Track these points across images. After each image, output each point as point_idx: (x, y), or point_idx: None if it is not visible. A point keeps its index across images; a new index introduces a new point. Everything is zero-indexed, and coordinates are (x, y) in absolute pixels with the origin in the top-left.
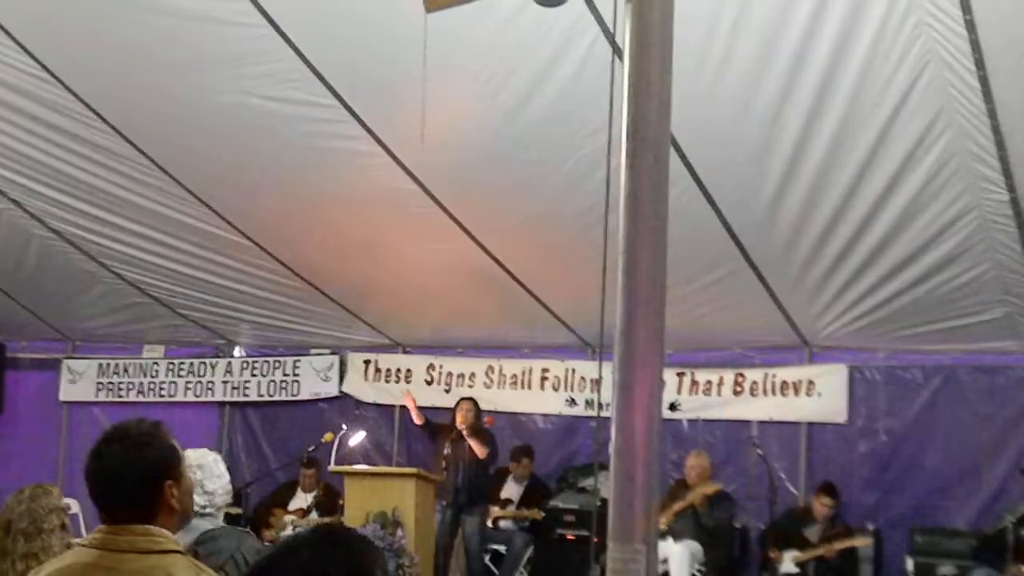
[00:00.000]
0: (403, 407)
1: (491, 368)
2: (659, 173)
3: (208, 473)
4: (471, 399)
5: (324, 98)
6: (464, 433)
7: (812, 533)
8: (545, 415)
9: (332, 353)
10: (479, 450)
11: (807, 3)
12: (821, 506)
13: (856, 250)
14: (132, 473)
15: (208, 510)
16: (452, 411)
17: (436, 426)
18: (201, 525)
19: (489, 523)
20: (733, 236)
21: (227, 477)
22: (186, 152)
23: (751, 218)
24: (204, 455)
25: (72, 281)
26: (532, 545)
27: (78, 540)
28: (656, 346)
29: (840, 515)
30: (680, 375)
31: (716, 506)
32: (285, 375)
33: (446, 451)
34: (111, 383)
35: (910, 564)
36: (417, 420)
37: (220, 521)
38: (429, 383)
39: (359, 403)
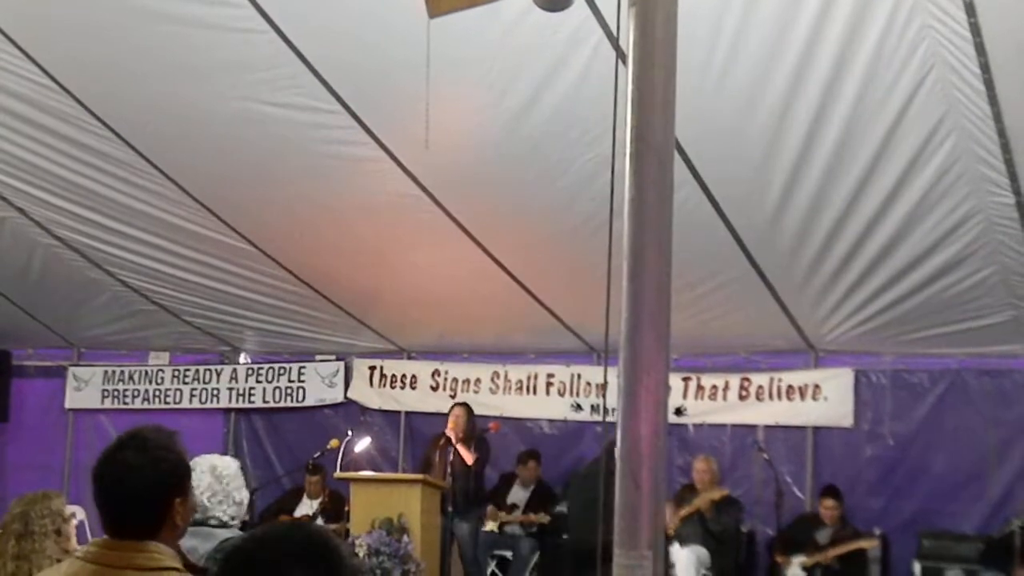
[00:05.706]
0: (408, 413)
1: (496, 373)
2: (663, 178)
3: (237, 484)
4: (464, 405)
5: (329, 104)
6: (452, 439)
7: (823, 536)
8: (551, 420)
9: (337, 359)
10: (466, 456)
11: (811, 6)
12: (825, 509)
13: (861, 254)
14: (144, 484)
15: (235, 521)
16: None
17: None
18: (221, 533)
19: (494, 526)
20: (738, 240)
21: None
22: (191, 159)
23: (756, 222)
24: (230, 464)
25: (77, 289)
26: (538, 551)
27: (77, 550)
28: (662, 351)
29: (847, 517)
30: (686, 380)
31: (723, 511)
32: (290, 381)
33: (434, 458)
34: (116, 390)
35: (918, 568)
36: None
37: (237, 531)
38: (434, 389)
39: (365, 409)
